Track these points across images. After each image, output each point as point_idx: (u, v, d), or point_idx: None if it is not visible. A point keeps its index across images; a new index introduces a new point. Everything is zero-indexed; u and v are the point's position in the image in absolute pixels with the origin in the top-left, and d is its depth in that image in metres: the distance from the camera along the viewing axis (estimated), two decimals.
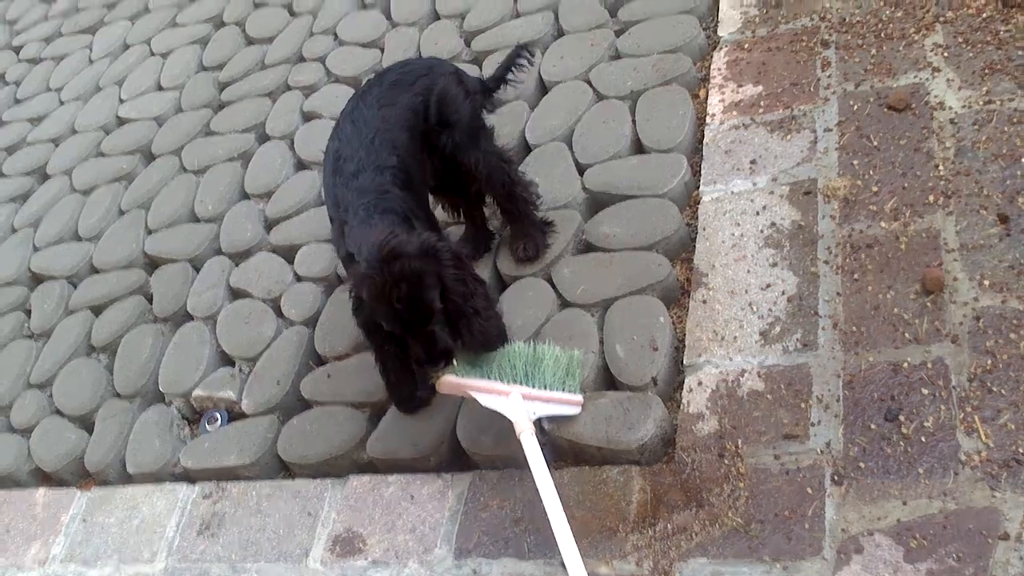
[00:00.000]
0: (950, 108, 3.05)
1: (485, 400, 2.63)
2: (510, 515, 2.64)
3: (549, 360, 2.73)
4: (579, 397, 2.75)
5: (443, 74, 3.04)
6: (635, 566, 2.41)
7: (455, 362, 2.63)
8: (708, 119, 3.43)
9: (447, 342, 2.50)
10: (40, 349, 4.01)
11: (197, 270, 3.98)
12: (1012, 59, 3.09)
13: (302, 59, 4.84)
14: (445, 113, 2.99)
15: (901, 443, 2.36)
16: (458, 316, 2.52)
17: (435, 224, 3.00)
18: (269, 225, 4.02)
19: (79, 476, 3.54)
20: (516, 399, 2.61)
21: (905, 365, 2.50)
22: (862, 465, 2.36)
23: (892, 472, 2.32)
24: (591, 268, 3.17)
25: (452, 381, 2.65)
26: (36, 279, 4.40)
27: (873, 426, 2.42)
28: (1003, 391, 2.36)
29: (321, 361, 3.43)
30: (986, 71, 3.10)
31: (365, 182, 2.72)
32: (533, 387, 2.68)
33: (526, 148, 3.74)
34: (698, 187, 3.24)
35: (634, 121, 3.57)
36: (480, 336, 2.58)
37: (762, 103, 3.36)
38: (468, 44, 4.36)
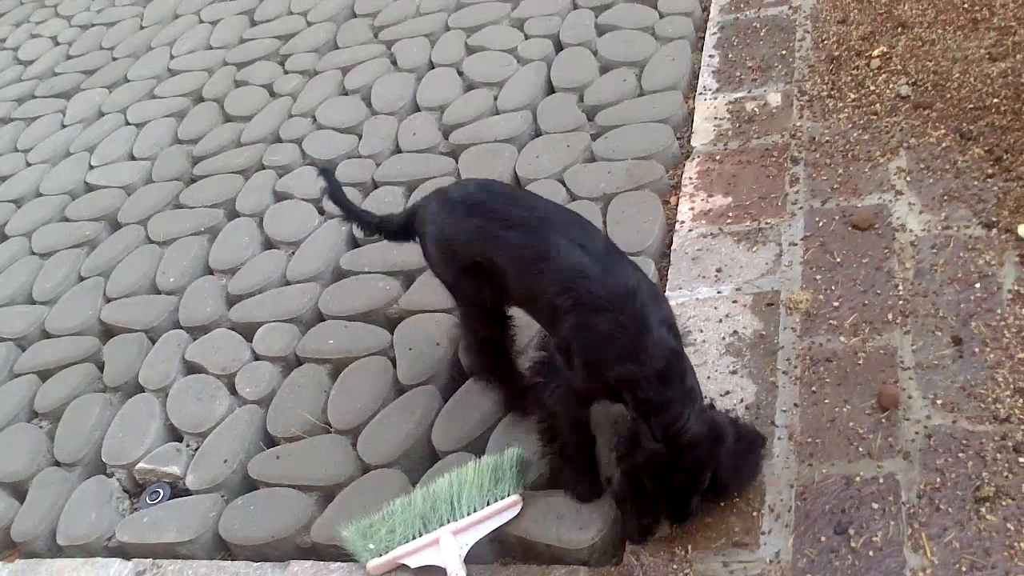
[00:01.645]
0: (911, 230, 3.14)
1: (416, 562, 2.67)
2: None
3: (472, 477, 2.75)
4: (514, 498, 2.74)
5: None
6: None
7: (371, 544, 2.70)
8: (677, 226, 3.49)
9: (697, 507, 2.43)
10: None
11: (153, 341, 3.92)
12: (968, 188, 3.21)
13: (278, 139, 4.86)
14: None
15: (849, 556, 2.36)
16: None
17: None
18: (230, 301, 3.99)
19: (3, 547, 3.41)
20: (447, 542, 2.65)
21: (857, 479, 2.52)
22: None
23: None
24: None
25: (380, 562, 2.68)
26: None
27: (823, 538, 2.42)
28: (950, 509, 2.39)
29: (272, 442, 3.39)
30: (945, 197, 3.20)
31: (619, 276, 2.42)
32: (461, 517, 2.71)
33: None
34: (664, 291, 3.28)
35: (605, 223, 3.61)
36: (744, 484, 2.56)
37: (730, 214, 3.43)
38: (446, 137, 4.42)
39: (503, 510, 2.73)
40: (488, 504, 2.72)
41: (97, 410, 3.68)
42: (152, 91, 5.69)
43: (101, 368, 3.90)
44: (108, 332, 4.08)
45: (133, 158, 5.15)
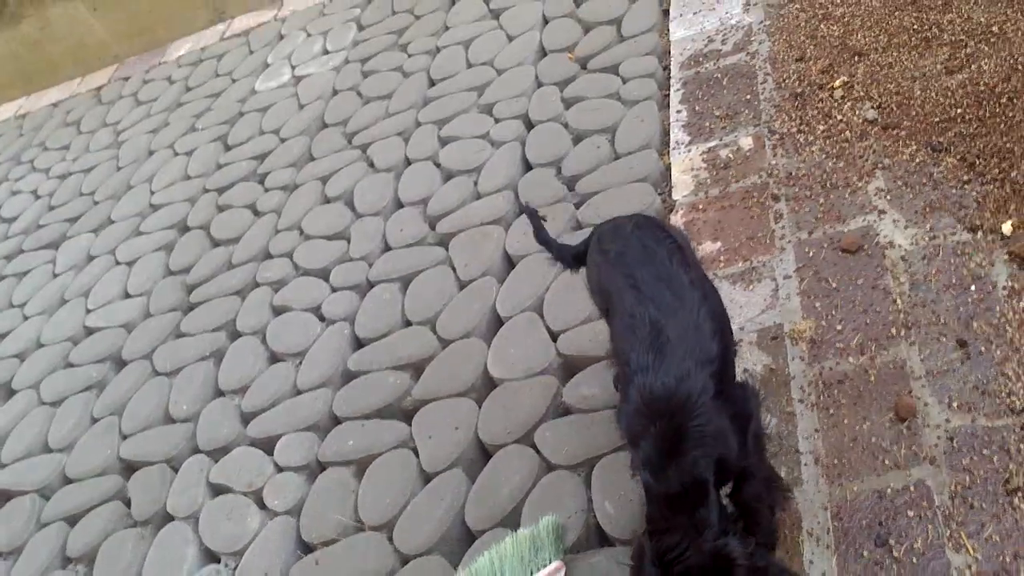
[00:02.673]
0: (899, 246, 3.22)
1: None
2: None
3: (511, 550, 2.79)
4: (556, 563, 2.77)
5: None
6: None
7: None
8: None
9: None
10: (9, 568, 3.90)
11: (175, 470, 3.95)
12: (948, 197, 3.30)
13: (269, 256, 4.94)
14: None
15: (894, 566, 2.41)
16: None
17: (747, 468, 2.46)
18: (245, 419, 4.02)
19: None
20: None
21: (889, 491, 2.57)
22: None
23: None
24: (573, 430, 3.22)
25: None
26: (4, 496, 4.30)
27: (865, 553, 2.46)
28: (984, 505, 2.44)
29: (309, 549, 3.40)
30: (927, 209, 3.29)
31: (676, 383, 2.27)
32: None
33: (498, 322, 3.83)
34: None
35: None
36: None
37: (722, 258, 3.50)
38: (433, 228, 4.50)
39: None
40: (531, 574, 2.74)
41: (131, 546, 3.69)
42: (138, 228, 5.78)
43: (128, 504, 3.92)
44: (130, 468, 4.10)
45: (128, 295, 5.22)
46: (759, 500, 2.51)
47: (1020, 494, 2.42)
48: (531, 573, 2.75)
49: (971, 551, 2.36)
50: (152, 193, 6.06)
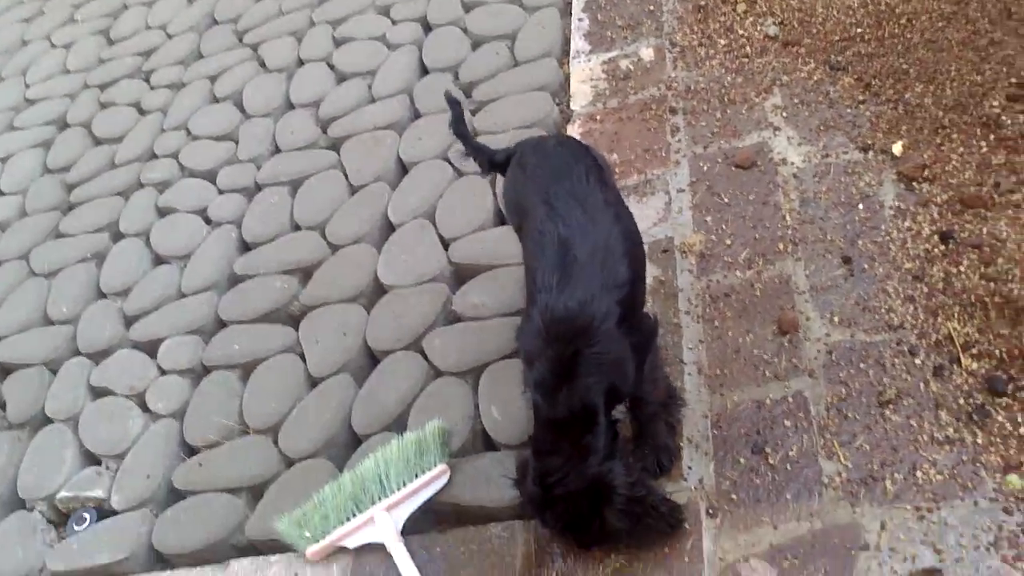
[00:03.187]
0: (792, 163, 3.26)
1: (354, 542, 2.70)
2: None
3: (397, 454, 2.79)
4: (441, 467, 2.79)
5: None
6: None
7: (307, 532, 2.71)
8: None
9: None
10: None
11: (54, 373, 3.83)
12: (843, 116, 3.34)
13: (154, 156, 4.76)
14: None
15: (769, 473, 2.47)
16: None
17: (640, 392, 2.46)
18: (128, 322, 3.91)
19: None
20: (382, 518, 2.69)
21: (768, 401, 2.63)
22: (734, 497, 2.46)
23: (762, 500, 2.42)
24: (462, 337, 3.21)
25: (319, 548, 2.71)
26: None
27: (742, 460, 2.52)
28: (857, 416, 2.53)
29: (193, 452, 3.35)
30: (821, 128, 3.33)
31: (580, 306, 2.22)
32: (392, 493, 2.74)
33: (389, 228, 3.78)
34: None
35: (495, 194, 3.66)
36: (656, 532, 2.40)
37: (617, 170, 3.49)
38: (325, 131, 4.40)
39: (432, 480, 2.77)
40: (416, 477, 2.76)
41: (6, 448, 3.59)
42: (11, 123, 5.49)
43: (3, 407, 3.80)
44: (4, 370, 3.96)
45: (2, 193, 4.98)
46: (655, 420, 2.54)
47: (891, 407, 2.50)
48: (415, 476, 2.76)
49: (842, 459, 2.43)
50: (27, 87, 5.75)
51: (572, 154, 2.62)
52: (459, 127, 3.10)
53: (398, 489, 2.74)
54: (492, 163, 2.98)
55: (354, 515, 2.72)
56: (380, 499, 2.73)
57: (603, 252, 2.31)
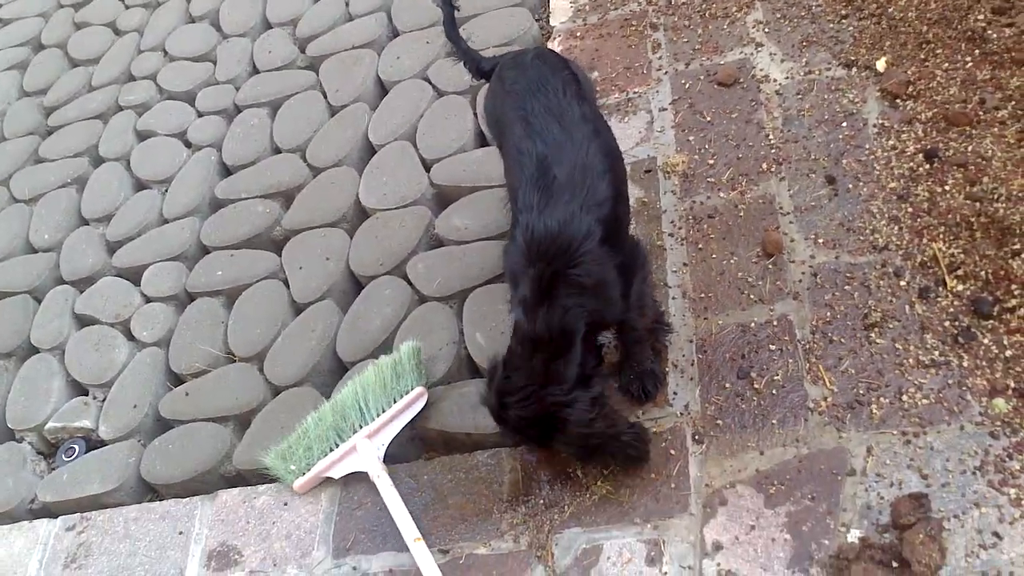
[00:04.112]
0: (775, 80, 3.21)
1: (339, 472, 2.71)
2: (385, 510, 2.62)
3: (374, 380, 2.79)
4: (418, 390, 2.80)
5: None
6: (512, 543, 2.43)
7: (292, 466, 2.73)
8: None
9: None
10: None
11: (39, 301, 3.82)
12: (825, 31, 3.29)
13: (132, 78, 4.70)
14: None
15: (754, 398, 2.47)
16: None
17: (623, 308, 2.37)
18: (111, 249, 3.90)
19: None
20: (364, 447, 2.70)
21: (752, 325, 2.62)
22: (720, 422, 2.46)
23: (748, 426, 2.42)
24: (445, 261, 3.19)
25: (304, 481, 2.73)
26: None
27: (727, 385, 2.52)
28: (842, 339, 2.51)
29: (179, 380, 3.35)
30: (804, 44, 3.28)
31: (560, 226, 2.19)
32: (372, 420, 2.75)
33: (370, 150, 3.74)
34: None
35: (475, 114, 3.61)
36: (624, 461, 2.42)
37: (598, 88, 3.43)
38: (303, 51, 4.33)
39: (410, 404, 2.78)
40: (395, 402, 2.77)
41: None
42: None
43: None
44: None
45: None
46: (640, 344, 2.53)
47: (877, 329, 2.49)
48: (394, 401, 2.77)
49: (828, 383, 2.43)
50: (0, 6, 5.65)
51: (549, 67, 2.57)
52: (451, 29, 3.04)
53: (378, 415, 2.75)
54: (479, 70, 2.94)
55: (336, 445, 2.74)
56: (360, 427, 2.75)
57: (582, 170, 2.27)
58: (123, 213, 4.00)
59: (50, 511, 3.15)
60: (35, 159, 4.52)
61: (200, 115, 4.28)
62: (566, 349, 2.19)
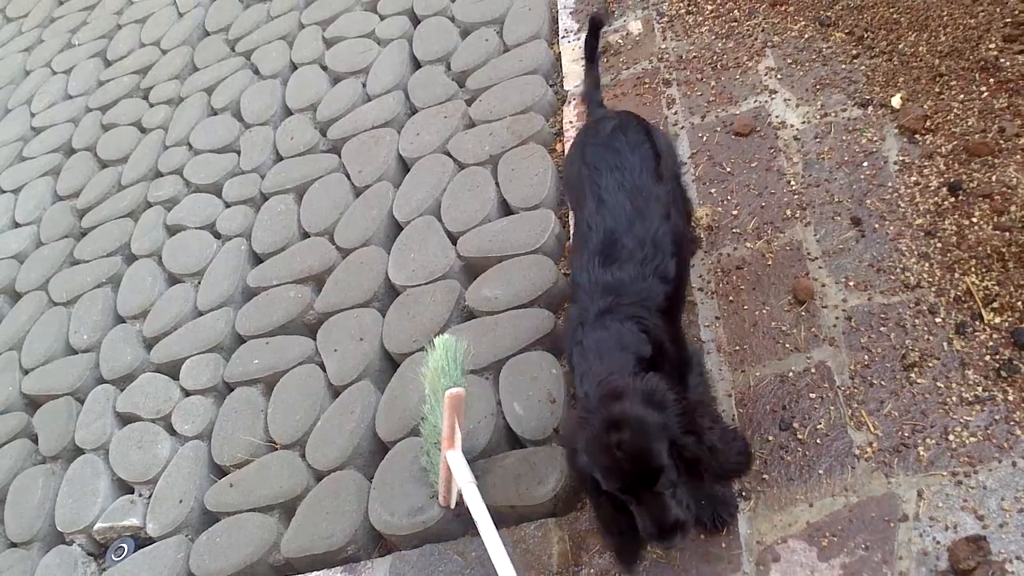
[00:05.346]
0: (791, 126, 3.20)
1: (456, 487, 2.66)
2: None
3: (435, 384, 2.71)
4: (458, 390, 2.55)
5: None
6: None
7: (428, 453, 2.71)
8: None
9: (679, 513, 1.99)
10: None
11: (81, 402, 3.85)
12: (838, 73, 3.28)
13: (159, 174, 4.78)
14: None
15: (799, 449, 2.44)
16: (695, 462, 2.06)
17: (685, 360, 2.39)
18: (148, 345, 3.94)
19: None
20: (452, 458, 2.60)
21: (790, 374, 2.59)
22: (766, 476, 2.42)
23: (795, 478, 2.39)
24: (478, 333, 3.18)
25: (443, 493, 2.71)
26: None
27: (770, 437, 2.49)
28: (883, 382, 2.48)
29: (222, 472, 3.36)
30: (817, 86, 3.28)
31: (629, 279, 2.27)
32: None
33: (396, 227, 3.76)
34: (569, 238, 3.30)
35: (497, 184, 3.63)
36: (728, 472, 2.17)
37: None
38: (324, 134, 4.39)
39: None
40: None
41: (41, 482, 3.61)
42: (20, 153, 5.53)
43: (35, 440, 3.82)
44: (33, 403, 4.00)
45: (17, 225, 5.02)
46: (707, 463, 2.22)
47: (917, 369, 2.45)
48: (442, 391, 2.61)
49: (872, 428, 2.40)
50: (32, 115, 5.79)
51: (629, 143, 2.57)
52: (591, 51, 3.02)
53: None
54: (590, 115, 2.98)
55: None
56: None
57: (652, 245, 2.32)
58: (158, 308, 4.04)
59: None
60: (71, 261, 4.59)
61: (228, 205, 4.34)
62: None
